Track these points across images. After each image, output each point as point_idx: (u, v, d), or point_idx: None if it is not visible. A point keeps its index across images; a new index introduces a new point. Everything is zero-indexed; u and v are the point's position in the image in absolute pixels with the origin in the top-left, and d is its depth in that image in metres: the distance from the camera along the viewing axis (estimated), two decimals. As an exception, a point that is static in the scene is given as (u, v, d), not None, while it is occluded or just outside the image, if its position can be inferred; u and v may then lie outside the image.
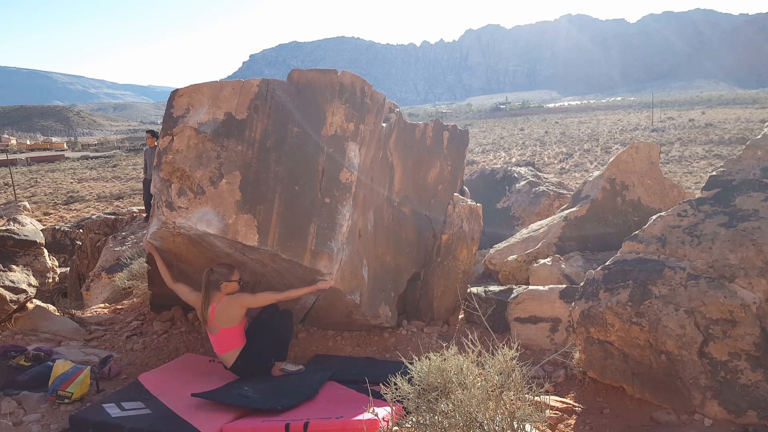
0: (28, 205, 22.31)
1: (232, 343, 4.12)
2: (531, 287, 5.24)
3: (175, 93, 4.14)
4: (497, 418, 2.58)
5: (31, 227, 6.21)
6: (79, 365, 4.28)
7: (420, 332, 5.08)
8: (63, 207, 28.00)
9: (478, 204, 5.60)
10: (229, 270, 4.12)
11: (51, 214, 25.42)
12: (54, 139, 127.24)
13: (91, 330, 5.56)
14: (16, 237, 5.68)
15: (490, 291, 5.35)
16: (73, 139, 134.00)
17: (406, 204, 5.78)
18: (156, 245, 4.27)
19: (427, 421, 2.66)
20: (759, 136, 3.96)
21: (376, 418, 2.96)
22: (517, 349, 2.83)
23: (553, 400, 3.66)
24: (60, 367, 4.15)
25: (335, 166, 4.30)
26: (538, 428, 3.04)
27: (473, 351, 2.90)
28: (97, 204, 28.37)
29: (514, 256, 6.73)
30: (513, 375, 2.72)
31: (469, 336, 3.15)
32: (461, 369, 2.79)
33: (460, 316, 5.40)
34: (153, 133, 9.82)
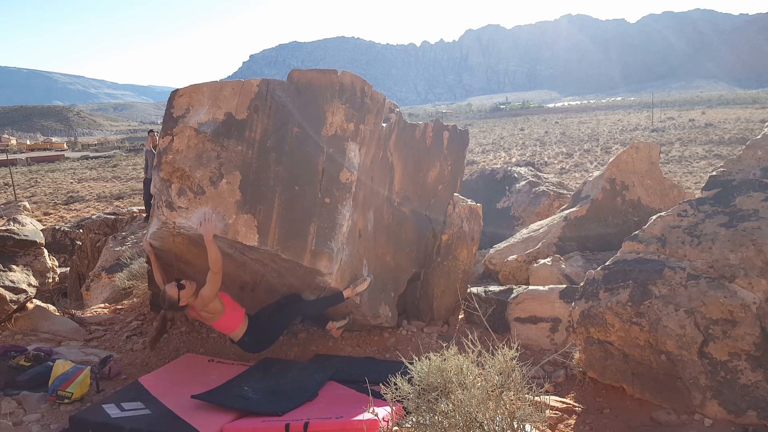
0: (28, 205, 22.28)
1: (232, 325, 4.22)
2: (531, 287, 5.23)
3: (175, 93, 4.14)
4: (497, 418, 2.58)
5: (31, 227, 6.20)
6: (79, 365, 4.28)
7: (420, 332, 5.08)
8: (63, 207, 27.99)
9: (478, 204, 5.60)
10: (170, 291, 3.97)
11: (51, 214, 25.41)
12: (54, 139, 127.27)
13: (91, 330, 5.56)
14: (16, 237, 5.68)
15: (490, 291, 5.35)
16: (73, 139, 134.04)
17: (406, 204, 5.78)
18: (156, 245, 4.27)
19: (427, 421, 2.66)
20: (759, 136, 3.97)
21: (376, 418, 2.96)
22: (517, 349, 2.83)
23: (553, 400, 3.66)
24: (60, 367, 4.16)
25: (335, 166, 4.30)
26: (538, 428, 3.04)
27: (473, 351, 2.90)
28: (97, 204, 28.36)
29: (514, 256, 6.73)
30: (513, 375, 2.72)
31: (469, 336, 3.15)
32: (461, 369, 2.79)
33: (460, 316, 5.40)
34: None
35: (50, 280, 6.04)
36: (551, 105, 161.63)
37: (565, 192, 9.82)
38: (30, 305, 5.64)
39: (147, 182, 9.75)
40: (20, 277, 5.47)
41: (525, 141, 46.78)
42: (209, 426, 3.43)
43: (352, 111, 4.39)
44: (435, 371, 2.80)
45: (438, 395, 2.73)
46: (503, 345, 2.84)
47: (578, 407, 3.64)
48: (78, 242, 13.01)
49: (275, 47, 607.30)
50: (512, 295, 5.09)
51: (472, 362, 2.85)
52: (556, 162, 30.99)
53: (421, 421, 2.68)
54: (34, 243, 5.81)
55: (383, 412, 2.99)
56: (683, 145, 33.01)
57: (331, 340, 4.94)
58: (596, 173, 7.37)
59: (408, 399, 2.76)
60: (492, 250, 7.29)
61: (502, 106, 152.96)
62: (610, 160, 7.15)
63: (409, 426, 2.74)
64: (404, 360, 3.03)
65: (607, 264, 3.88)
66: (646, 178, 6.88)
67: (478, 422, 2.55)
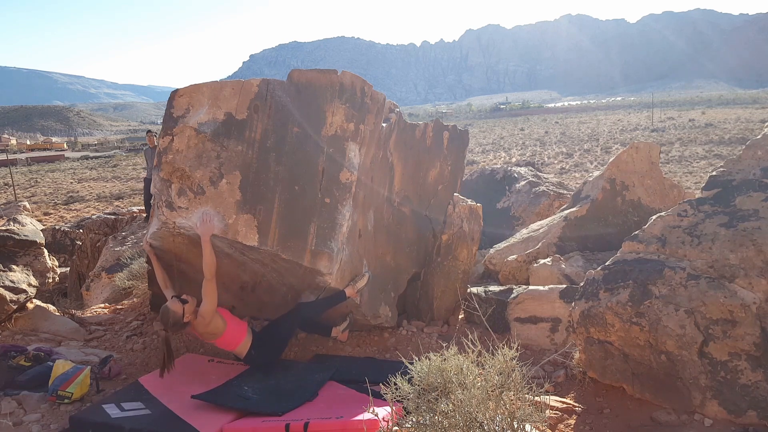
0: (28, 205, 22.31)
1: (236, 341, 4.15)
2: (531, 287, 5.23)
3: (175, 93, 4.14)
4: (497, 418, 2.58)
5: (31, 227, 6.21)
6: (79, 365, 4.28)
7: (420, 332, 5.08)
8: (63, 207, 27.99)
9: (478, 204, 5.60)
10: (174, 307, 3.84)
11: (51, 214, 25.41)
12: (54, 139, 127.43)
13: (91, 330, 5.56)
14: (16, 237, 5.68)
15: (490, 291, 5.35)
16: (73, 139, 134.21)
17: (406, 204, 5.78)
18: (156, 245, 4.27)
19: (427, 421, 2.66)
20: (759, 136, 3.96)
21: (376, 418, 2.96)
22: (517, 349, 2.83)
23: (553, 400, 3.66)
24: (60, 367, 4.16)
25: (335, 166, 4.30)
26: (538, 428, 3.04)
27: (473, 351, 2.90)
28: (97, 204, 28.37)
29: (514, 256, 6.73)
30: (513, 375, 2.72)
31: (469, 336, 3.15)
32: (461, 369, 2.79)
33: (460, 316, 5.40)
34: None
35: (50, 280, 6.04)
36: (551, 105, 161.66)
37: (565, 192, 9.82)
38: (30, 305, 5.64)
39: (147, 182, 9.76)
40: (20, 277, 5.47)
41: (525, 141, 46.76)
42: (209, 426, 3.43)
43: (352, 111, 4.39)
44: (435, 371, 2.80)
45: (438, 395, 2.73)
46: (503, 345, 2.84)
47: (578, 407, 3.64)
48: (78, 242, 13.01)
49: (275, 47, 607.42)
50: (512, 295, 5.09)
51: (472, 362, 2.85)
52: (556, 162, 30.99)
53: (421, 421, 2.68)
54: (34, 243, 5.81)
55: (383, 412, 2.99)
56: (683, 145, 33.01)
57: (330, 340, 4.94)
58: (596, 173, 7.37)
59: (408, 399, 2.76)
60: (492, 250, 7.29)
61: (502, 106, 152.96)
62: (610, 160, 7.15)
63: (409, 426, 2.74)
64: (404, 360, 3.03)
65: (607, 264, 3.88)
66: (646, 178, 6.88)
67: (478, 422, 2.55)
